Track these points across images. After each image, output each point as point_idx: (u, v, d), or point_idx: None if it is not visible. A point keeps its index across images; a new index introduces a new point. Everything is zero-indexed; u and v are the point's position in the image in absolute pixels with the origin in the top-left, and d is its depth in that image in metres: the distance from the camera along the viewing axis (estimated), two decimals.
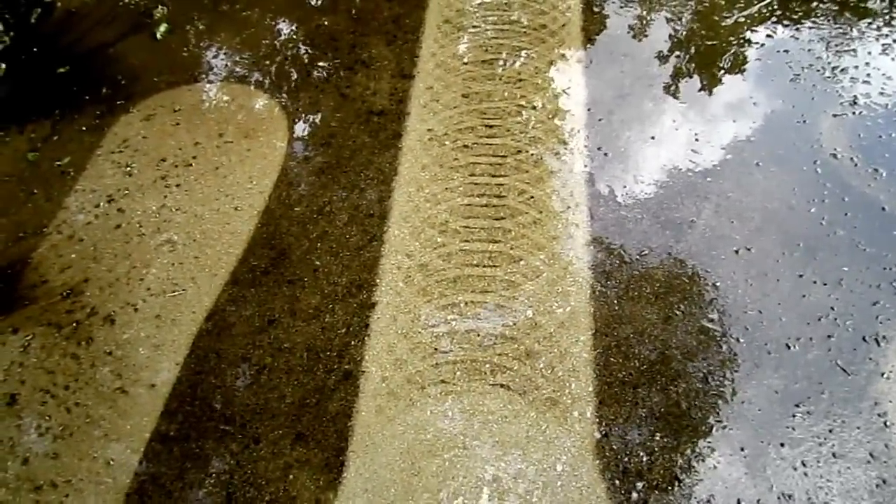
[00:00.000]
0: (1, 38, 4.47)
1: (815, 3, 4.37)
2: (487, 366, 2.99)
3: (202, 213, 3.59)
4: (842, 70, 3.97)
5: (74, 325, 3.25)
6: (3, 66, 4.33)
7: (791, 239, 3.32)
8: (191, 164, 3.78)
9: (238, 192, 3.66)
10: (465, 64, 4.09)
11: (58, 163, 3.85)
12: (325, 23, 4.43)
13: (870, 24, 4.23)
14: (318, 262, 3.36)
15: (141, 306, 3.29)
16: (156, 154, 3.85)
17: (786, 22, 4.27)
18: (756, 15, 4.32)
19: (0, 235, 3.59)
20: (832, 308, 3.11)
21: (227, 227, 3.52)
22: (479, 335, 3.08)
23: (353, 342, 3.10)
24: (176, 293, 3.33)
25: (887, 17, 4.26)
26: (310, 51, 4.28)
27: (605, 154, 3.67)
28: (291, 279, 3.32)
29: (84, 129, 3.99)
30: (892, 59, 4.00)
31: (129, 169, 3.79)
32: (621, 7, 4.43)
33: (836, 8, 4.34)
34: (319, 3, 4.56)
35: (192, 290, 3.33)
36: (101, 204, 3.67)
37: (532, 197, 3.51)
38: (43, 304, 3.33)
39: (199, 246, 3.47)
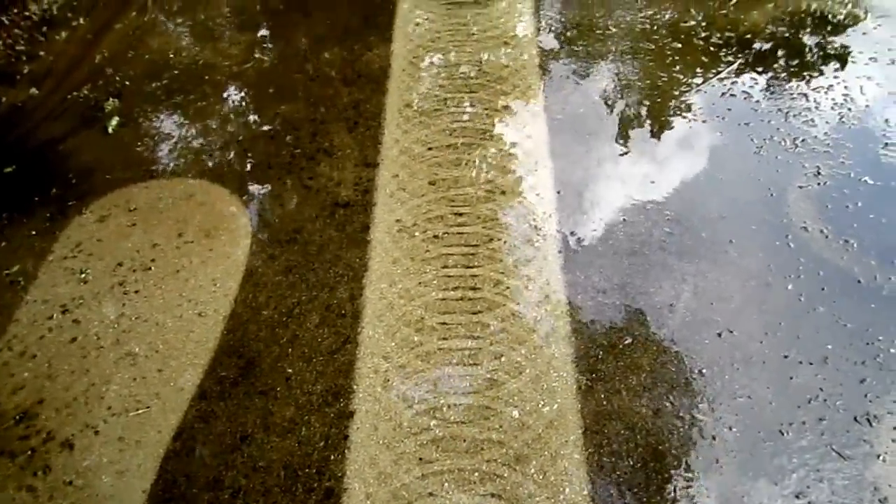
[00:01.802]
0: None
1: (769, 74, 4.45)
2: (476, 474, 2.85)
3: (164, 322, 3.41)
4: (802, 141, 4.02)
5: (30, 452, 3.02)
6: None
7: (772, 318, 3.29)
8: (150, 268, 3.61)
9: (201, 296, 3.50)
10: (430, 150, 4.03)
11: (7, 272, 3.65)
12: (284, 111, 4.33)
13: (826, 92, 4.31)
14: (290, 370, 3.20)
15: (102, 428, 3.08)
16: (112, 258, 3.67)
17: (743, 95, 4.32)
18: (714, 86, 4.37)
19: None
20: (821, 389, 3.05)
21: (191, 336, 3.35)
22: (464, 441, 2.94)
23: (332, 456, 2.93)
24: (139, 412, 3.13)
25: (841, 84, 4.35)
26: (270, 141, 4.17)
27: (579, 238, 3.62)
28: (263, 390, 3.15)
29: (34, 233, 3.80)
30: (850, 128, 4.06)
31: (83, 276, 3.61)
32: (582, 86, 4.44)
33: (791, 79, 4.42)
34: (276, 90, 4.47)
35: (156, 408, 3.13)
36: (55, 315, 3.46)
37: (508, 288, 3.42)
38: None
39: (163, 357, 3.28)
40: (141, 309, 3.46)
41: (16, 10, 5.05)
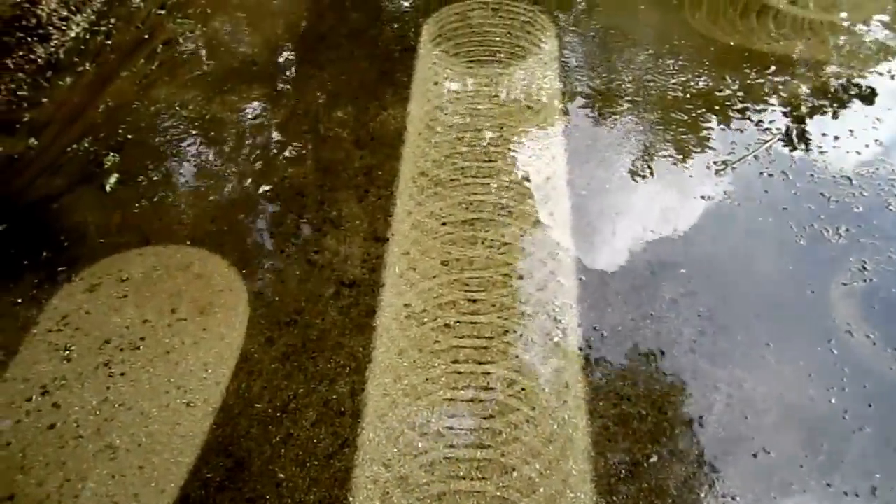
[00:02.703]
0: None
1: (809, 152, 4.15)
2: None
3: (149, 411, 3.15)
4: (846, 230, 3.72)
5: None
6: None
7: (814, 438, 2.98)
8: (138, 348, 3.36)
9: (191, 383, 3.23)
10: (444, 225, 3.76)
11: None
12: (291, 174, 4.09)
13: (871, 176, 4.00)
14: (281, 475, 2.93)
15: None
16: (99, 334, 3.43)
17: (781, 175, 4.03)
18: (750, 164, 4.08)
19: None
20: None
21: (177, 429, 3.08)
22: None
23: None
24: None
25: (887, 166, 4.05)
26: (274, 208, 3.92)
27: (602, 334, 3.33)
28: (251, 497, 2.87)
29: (20, 301, 3.56)
30: None
31: (67, 353, 3.36)
32: (608, 159, 4.16)
33: (833, 158, 4.12)
34: (285, 151, 4.22)
35: None
36: (34, 397, 3.21)
37: (523, 389, 3.13)
38: None
39: (145, 453, 3.02)
40: (126, 395, 3.20)
41: (21, 53, 4.85)
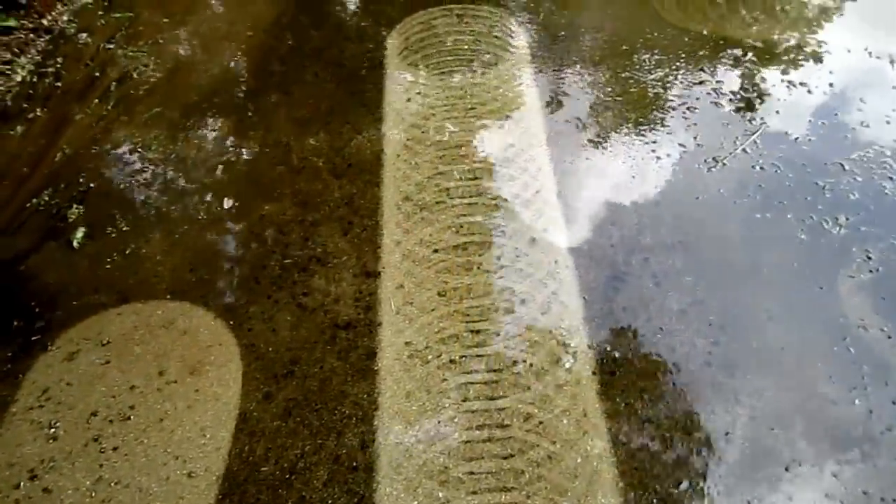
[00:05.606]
0: None
1: (798, 140, 4.06)
2: None
3: (149, 487, 2.95)
4: (846, 219, 3.65)
5: None
6: None
7: (844, 445, 2.89)
8: (129, 418, 3.16)
9: (190, 451, 3.04)
10: (436, 252, 3.60)
11: None
12: (269, 211, 3.88)
13: (862, 160, 3.93)
14: None
15: None
16: (84, 407, 3.21)
17: (773, 168, 3.94)
18: (739, 158, 3.98)
19: None
20: None
21: (181, 503, 2.90)
22: None
23: None
24: None
25: (876, 149, 3.98)
26: (255, 250, 3.72)
27: (614, 355, 3.21)
28: None
29: None
30: (895, 201, 3.69)
31: (53, 431, 3.14)
32: (596, 164, 4.03)
33: (823, 144, 4.04)
34: (259, 187, 4.01)
35: None
36: (22, 483, 3.00)
37: (541, 423, 3.00)
38: None
39: None
40: (121, 471, 3.00)
41: None
